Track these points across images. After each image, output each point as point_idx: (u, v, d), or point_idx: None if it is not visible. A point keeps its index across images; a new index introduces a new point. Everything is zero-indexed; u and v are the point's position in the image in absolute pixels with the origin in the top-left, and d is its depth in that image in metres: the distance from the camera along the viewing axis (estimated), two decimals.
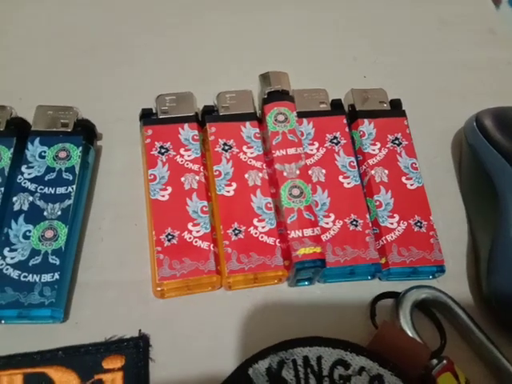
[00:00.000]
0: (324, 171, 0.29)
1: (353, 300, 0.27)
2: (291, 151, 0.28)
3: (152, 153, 0.29)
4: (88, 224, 0.29)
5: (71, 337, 0.25)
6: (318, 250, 0.25)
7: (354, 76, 0.37)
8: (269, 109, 0.29)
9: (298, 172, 0.27)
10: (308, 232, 0.26)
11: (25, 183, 0.27)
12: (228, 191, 0.28)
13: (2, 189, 0.27)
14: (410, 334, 0.25)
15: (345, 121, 0.31)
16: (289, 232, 0.26)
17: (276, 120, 0.29)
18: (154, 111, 0.30)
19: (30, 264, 0.25)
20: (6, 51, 0.36)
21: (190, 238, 0.26)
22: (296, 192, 0.27)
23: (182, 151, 0.29)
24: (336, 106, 0.32)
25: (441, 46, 0.40)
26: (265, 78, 0.30)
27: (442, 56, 0.39)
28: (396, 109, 0.32)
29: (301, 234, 0.26)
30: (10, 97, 0.33)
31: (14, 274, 0.24)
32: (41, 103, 0.30)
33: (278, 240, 0.27)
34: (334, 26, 0.40)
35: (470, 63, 0.38)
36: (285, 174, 0.27)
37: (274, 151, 0.28)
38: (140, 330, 0.25)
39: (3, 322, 0.25)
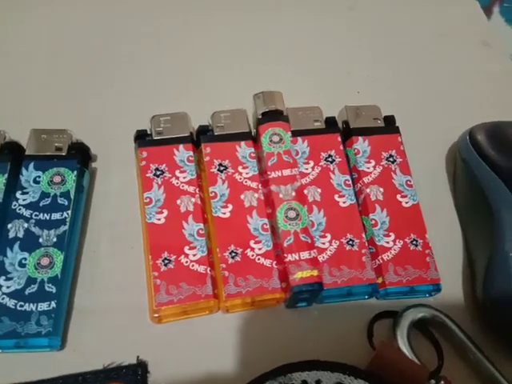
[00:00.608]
0: (319, 190, 0.29)
1: (351, 320, 0.27)
2: (286, 172, 0.28)
3: (147, 175, 0.29)
4: (84, 247, 0.29)
5: (70, 364, 0.25)
6: (315, 273, 0.26)
7: (348, 91, 0.37)
8: (263, 129, 0.29)
9: (293, 194, 0.27)
10: (305, 255, 0.26)
11: (20, 209, 0.27)
12: (224, 213, 0.28)
13: None
14: (408, 354, 0.25)
15: (339, 138, 0.31)
16: (286, 255, 0.26)
17: (271, 141, 0.29)
18: (149, 132, 0.30)
19: (27, 293, 0.25)
20: None
21: (186, 262, 0.26)
22: (292, 214, 0.27)
23: (177, 173, 0.29)
24: (330, 124, 0.32)
25: (434, 59, 0.40)
26: (259, 98, 0.30)
27: (435, 69, 0.39)
28: (390, 125, 0.32)
29: (298, 257, 0.26)
30: (2, 119, 0.33)
31: (11, 303, 0.24)
32: (33, 125, 0.30)
33: (274, 262, 0.27)
34: (327, 42, 0.40)
35: (463, 76, 0.39)
36: (280, 195, 0.27)
37: (269, 172, 0.28)
38: (138, 357, 0.25)
39: (0, 350, 0.24)
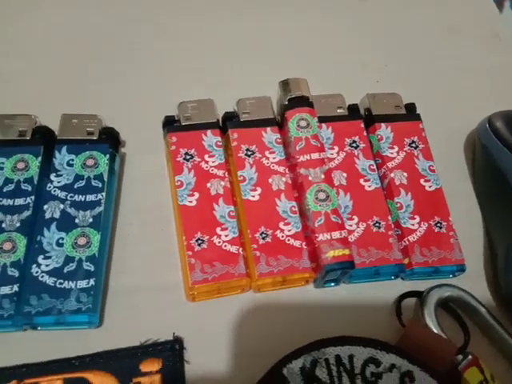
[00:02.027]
0: (345, 175, 0.30)
1: (377, 299, 0.28)
2: (315, 156, 0.29)
3: (178, 159, 0.29)
4: (116, 229, 0.29)
5: (106, 341, 0.25)
6: (347, 252, 0.26)
7: (366, 81, 0.38)
8: (291, 115, 0.30)
9: (322, 176, 0.28)
10: (336, 235, 0.26)
11: (55, 191, 0.27)
12: (253, 196, 0.29)
13: (33, 197, 0.27)
14: (436, 331, 0.26)
15: (362, 125, 0.32)
16: (317, 235, 0.26)
17: (298, 126, 0.30)
18: (176, 118, 0.31)
19: (65, 271, 0.25)
20: (25, 59, 0.37)
21: (219, 242, 0.27)
22: (322, 196, 0.28)
23: (206, 157, 0.29)
24: (353, 111, 0.33)
25: (449, 51, 0.41)
26: (285, 84, 0.31)
27: (450, 60, 0.40)
28: (411, 113, 0.33)
29: (329, 237, 0.26)
30: (31, 105, 0.33)
31: (50, 281, 0.25)
32: (62, 111, 0.30)
33: (304, 243, 0.27)
34: (345, 32, 0.41)
35: (478, 67, 0.40)
36: (310, 178, 0.28)
37: (297, 156, 0.29)
38: (174, 333, 0.26)
39: (39, 328, 0.25)
